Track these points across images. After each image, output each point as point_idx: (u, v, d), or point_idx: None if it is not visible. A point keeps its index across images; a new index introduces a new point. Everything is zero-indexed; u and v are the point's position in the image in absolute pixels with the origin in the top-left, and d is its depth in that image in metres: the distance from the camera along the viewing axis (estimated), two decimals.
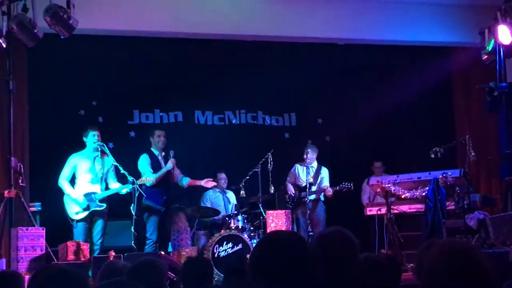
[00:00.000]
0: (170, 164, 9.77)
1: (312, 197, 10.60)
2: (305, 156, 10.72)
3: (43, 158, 10.12)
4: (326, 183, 10.74)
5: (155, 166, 9.80)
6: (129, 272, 4.31)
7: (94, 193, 9.08)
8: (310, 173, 10.74)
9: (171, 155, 9.79)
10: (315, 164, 10.88)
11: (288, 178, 10.88)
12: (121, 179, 9.18)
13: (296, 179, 10.87)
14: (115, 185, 9.22)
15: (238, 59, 11.56)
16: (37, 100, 10.30)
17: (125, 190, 9.06)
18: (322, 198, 10.71)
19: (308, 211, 10.53)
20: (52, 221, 9.15)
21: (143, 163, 9.79)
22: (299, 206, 10.66)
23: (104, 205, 9.13)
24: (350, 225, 10.40)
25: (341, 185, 10.49)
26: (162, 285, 4.42)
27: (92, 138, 9.16)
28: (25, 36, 8.11)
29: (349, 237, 3.49)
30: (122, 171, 8.95)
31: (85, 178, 9.14)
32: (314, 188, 10.65)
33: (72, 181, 9.19)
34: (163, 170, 9.77)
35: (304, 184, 10.68)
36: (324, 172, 10.87)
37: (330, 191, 10.51)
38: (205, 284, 4.93)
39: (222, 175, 10.83)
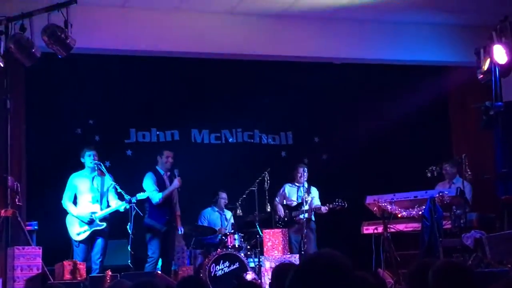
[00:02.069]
0: (177, 182, 9.80)
1: (303, 216, 10.60)
2: (299, 176, 10.78)
3: (40, 177, 10.13)
4: (317, 202, 10.79)
5: (160, 184, 9.84)
6: None
7: (94, 212, 9.08)
8: (301, 193, 10.77)
9: (176, 173, 9.82)
10: (305, 184, 10.94)
11: (277, 199, 10.91)
12: (120, 198, 9.19)
13: (286, 199, 10.92)
14: (115, 203, 9.22)
15: (235, 78, 11.60)
16: (34, 119, 10.31)
17: (122, 207, 9.08)
18: (313, 218, 10.75)
19: (300, 230, 10.57)
20: (48, 240, 9.11)
21: (149, 181, 9.81)
22: (291, 226, 10.67)
23: (105, 224, 9.15)
24: (347, 243, 10.45)
25: (334, 203, 10.53)
26: None
27: (88, 159, 9.19)
28: (22, 55, 8.13)
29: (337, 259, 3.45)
30: (119, 190, 8.97)
31: (85, 198, 9.18)
32: (306, 207, 10.67)
33: (74, 201, 9.21)
34: (170, 188, 9.82)
35: (294, 204, 10.76)
36: (314, 191, 10.96)
37: (325, 209, 10.55)
38: None
39: (223, 194, 10.86)
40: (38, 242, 8.98)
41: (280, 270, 4.59)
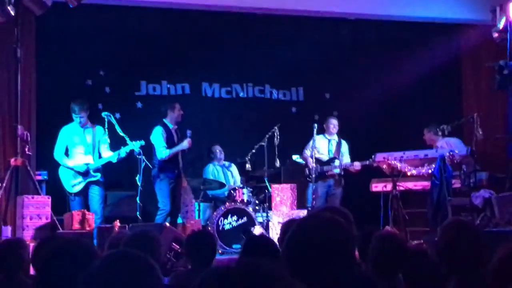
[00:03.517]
0: (186, 144, 9.68)
1: (337, 171, 10.52)
2: (332, 127, 10.65)
3: (49, 127, 10.11)
4: (347, 158, 10.65)
5: (169, 139, 9.72)
6: (125, 243, 4.33)
7: (88, 163, 9.05)
8: (332, 146, 10.69)
9: (188, 135, 9.71)
10: (336, 137, 10.82)
11: (306, 151, 10.59)
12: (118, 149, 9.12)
13: (316, 151, 10.54)
14: (108, 154, 9.17)
15: (246, 32, 11.52)
16: (44, 69, 10.27)
17: (115, 158, 9.00)
18: (341, 172, 10.60)
19: (330, 187, 10.52)
20: (57, 190, 9.17)
21: (158, 136, 9.67)
22: (320, 180, 10.51)
23: (98, 174, 9.09)
24: (355, 201, 10.47)
25: (367, 161, 10.31)
26: (157, 256, 4.40)
27: (75, 117, 9.09)
28: (33, 4, 8.08)
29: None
30: (128, 142, 8.93)
31: (77, 150, 9.10)
32: (337, 163, 10.55)
33: (66, 154, 9.16)
34: (178, 148, 9.70)
35: (326, 158, 10.62)
36: (345, 146, 10.81)
37: (358, 166, 10.37)
38: (208, 257, 4.94)
39: (216, 148, 10.79)
40: (47, 191, 9.03)
41: (289, 226, 4.59)
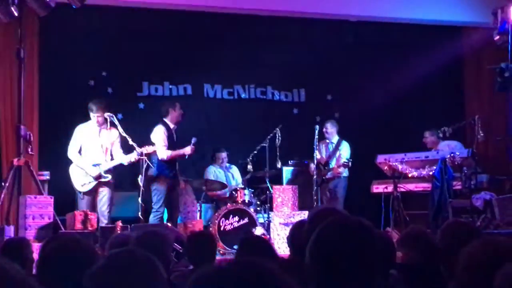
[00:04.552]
0: (189, 150, 9.67)
1: (330, 174, 10.63)
2: (324, 131, 10.79)
3: (52, 127, 10.17)
4: (343, 158, 10.65)
5: (170, 139, 9.74)
6: (135, 241, 4.35)
7: (99, 164, 9.08)
8: (330, 149, 10.78)
9: (193, 141, 9.67)
10: (335, 139, 10.91)
11: (315, 156, 10.53)
12: (128, 151, 9.16)
13: (320, 157, 10.79)
14: (120, 156, 9.21)
15: (249, 34, 11.56)
16: (47, 69, 10.32)
17: (129, 160, 9.04)
18: (345, 174, 10.69)
19: (328, 188, 10.64)
20: (60, 190, 9.20)
21: (159, 135, 9.64)
22: (322, 184, 10.65)
23: (109, 176, 9.11)
24: (356, 202, 10.50)
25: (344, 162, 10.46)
26: (167, 255, 4.46)
27: (93, 117, 9.09)
28: (37, 4, 8.11)
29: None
30: (131, 142, 8.95)
31: (91, 150, 9.10)
32: (332, 165, 10.68)
33: (79, 152, 9.18)
34: (180, 152, 9.66)
35: (323, 161, 10.75)
36: (343, 147, 10.87)
37: (341, 172, 10.54)
38: (209, 258, 4.97)
39: (222, 155, 10.82)
40: (50, 191, 9.06)
41: (299, 228, 4.61)
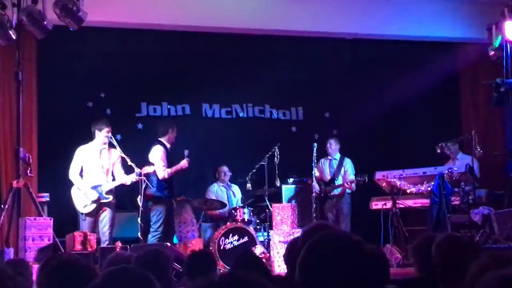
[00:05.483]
0: (186, 163, 9.76)
1: (337, 191, 10.72)
2: (327, 147, 10.90)
3: (51, 149, 10.21)
4: (350, 175, 10.77)
5: (168, 158, 9.82)
6: (136, 260, 4.38)
7: (100, 185, 9.10)
8: (333, 166, 10.82)
9: (186, 154, 9.78)
10: (337, 156, 10.99)
11: (314, 174, 10.67)
12: (128, 171, 9.21)
13: (322, 173, 10.93)
14: (121, 177, 9.24)
15: (246, 53, 11.62)
16: (46, 91, 10.37)
17: (129, 180, 9.08)
18: (347, 191, 10.78)
19: (334, 205, 10.71)
20: (60, 212, 9.23)
21: (158, 155, 9.73)
22: (326, 201, 10.76)
23: (111, 197, 9.14)
24: (356, 218, 10.50)
25: (357, 178, 10.55)
26: (168, 274, 4.48)
27: (103, 133, 9.14)
28: (34, 28, 8.17)
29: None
30: (130, 163, 9.00)
31: (92, 171, 9.14)
32: (338, 181, 10.76)
33: (80, 173, 9.22)
34: (177, 167, 9.77)
35: (328, 179, 10.82)
36: (347, 163, 10.94)
37: (353, 188, 10.67)
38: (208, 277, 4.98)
39: (224, 168, 10.86)
40: (50, 213, 9.08)
41: (296, 245, 4.63)
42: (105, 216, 9.12)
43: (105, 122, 9.26)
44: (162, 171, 9.61)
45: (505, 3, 9.21)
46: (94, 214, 9.09)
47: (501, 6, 9.30)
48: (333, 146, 10.96)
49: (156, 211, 9.67)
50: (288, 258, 4.32)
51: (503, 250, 7.38)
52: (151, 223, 9.62)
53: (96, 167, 9.15)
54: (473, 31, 10.92)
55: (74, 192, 9.11)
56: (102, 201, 9.07)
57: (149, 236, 9.56)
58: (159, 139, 9.91)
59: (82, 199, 9.04)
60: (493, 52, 9.46)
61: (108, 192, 9.12)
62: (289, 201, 10.78)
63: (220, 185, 10.90)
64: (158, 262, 4.30)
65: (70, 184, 9.12)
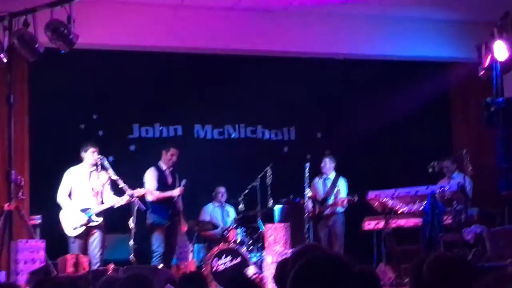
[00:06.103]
0: (178, 191, 9.81)
1: (328, 210, 10.70)
2: (321, 166, 10.90)
3: (43, 171, 10.18)
4: (343, 194, 10.78)
5: (161, 181, 9.85)
6: (119, 285, 4.37)
7: (90, 208, 9.08)
8: (327, 185, 10.83)
9: (182, 183, 9.82)
10: (332, 175, 10.98)
11: (307, 194, 10.67)
12: (119, 193, 9.20)
13: (315, 192, 10.91)
14: (110, 199, 9.23)
15: (237, 73, 11.63)
16: (37, 114, 10.37)
17: (120, 202, 9.07)
18: (340, 210, 10.76)
19: (327, 225, 10.71)
20: (52, 234, 9.18)
21: (149, 177, 9.84)
22: (319, 221, 10.75)
23: (101, 219, 9.12)
24: (348, 238, 10.48)
25: (348, 198, 10.57)
26: None
27: (92, 155, 9.14)
28: (26, 51, 8.19)
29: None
30: (121, 185, 8.98)
31: (81, 193, 9.13)
32: (331, 201, 10.75)
33: (69, 195, 9.19)
34: (167, 193, 9.81)
35: (321, 198, 10.82)
36: (340, 183, 10.94)
37: (344, 205, 10.66)
38: None
39: (221, 189, 10.90)
40: (42, 235, 9.04)
41: (285, 265, 4.62)
42: (95, 238, 9.10)
43: (91, 143, 9.27)
44: (150, 194, 9.66)
45: (495, 23, 9.27)
46: (84, 237, 9.05)
47: (491, 26, 9.36)
48: (327, 165, 10.96)
49: (155, 239, 9.75)
50: (278, 279, 4.32)
51: (496, 269, 7.37)
52: (152, 247, 9.67)
53: (85, 189, 9.14)
54: (463, 51, 10.97)
55: (63, 215, 9.09)
56: (90, 224, 9.04)
57: (153, 257, 9.61)
58: (158, 162, 10.02)
59: (72, 221, 9.01)
60: (483, 72, 9.51)
61: (98, 214, 9.10)
62: (281, 221, 10.76)
63: (215, 205, 10.93)
64: (140, 286, 4.29)
65: (61, 206, 9.10)
